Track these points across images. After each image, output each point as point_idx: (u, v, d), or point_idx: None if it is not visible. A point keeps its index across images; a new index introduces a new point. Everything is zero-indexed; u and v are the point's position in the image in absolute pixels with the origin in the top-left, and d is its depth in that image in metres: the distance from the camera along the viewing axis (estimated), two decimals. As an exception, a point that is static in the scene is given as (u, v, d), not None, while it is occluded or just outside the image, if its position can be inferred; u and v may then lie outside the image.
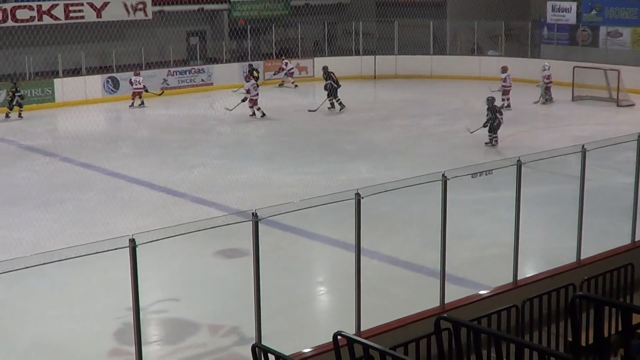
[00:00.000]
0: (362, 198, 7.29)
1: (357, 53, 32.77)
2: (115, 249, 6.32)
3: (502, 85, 24.64)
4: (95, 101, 27.18)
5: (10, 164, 18.54)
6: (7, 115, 24.19)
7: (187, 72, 29.89)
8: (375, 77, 31.95)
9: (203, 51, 32.89)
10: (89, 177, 17.16)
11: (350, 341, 6.40)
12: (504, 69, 24.73)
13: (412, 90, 28.55)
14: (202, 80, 29.77)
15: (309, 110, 24.38)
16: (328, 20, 33.16)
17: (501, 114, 19.39)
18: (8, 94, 24.35)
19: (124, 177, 16.93)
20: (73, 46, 28.00)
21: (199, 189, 15.66)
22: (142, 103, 26.01)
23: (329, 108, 24.52)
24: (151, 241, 6.38)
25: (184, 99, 27.47)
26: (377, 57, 32.38)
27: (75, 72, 28.10)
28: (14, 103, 24.15)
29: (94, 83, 27.86)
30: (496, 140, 19.20)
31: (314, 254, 12.89)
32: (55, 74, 27.51)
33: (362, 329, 7.49)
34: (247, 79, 24.54)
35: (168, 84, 27.42)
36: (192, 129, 22.39)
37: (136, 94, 25.94)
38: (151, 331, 9.51)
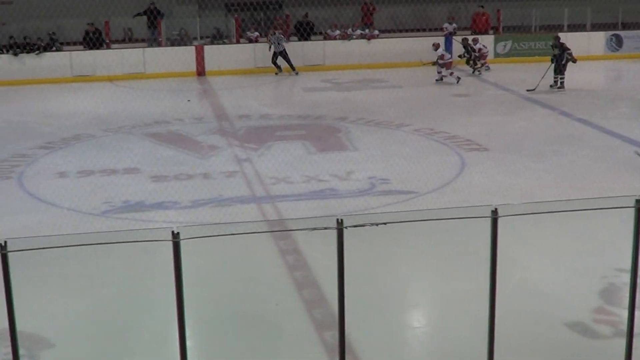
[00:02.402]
0: None
1: None
2: (620, 207, 6.15)
3: None
4: (597, 58, 26.74)
5: (511, 113, 19.09)
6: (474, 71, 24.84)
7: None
8: None
9: None
10: (585, 133, 16.96)
11: None
12: None
13: None
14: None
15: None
16: None
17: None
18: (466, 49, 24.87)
19: (621, 137, 16.43)
20: (580, 2, 27.81)
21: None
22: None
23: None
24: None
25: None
26: None
27: (580, 27, 27.88)
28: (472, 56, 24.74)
29: (597, 40, 27.43)
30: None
31: None
32: (560, 28, 27.51)
33: None
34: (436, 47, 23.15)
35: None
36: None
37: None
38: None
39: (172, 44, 26.48)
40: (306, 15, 26.94)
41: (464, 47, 24.42)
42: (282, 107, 20.54)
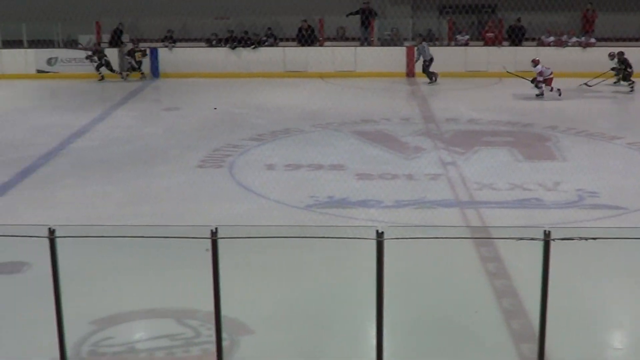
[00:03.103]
0: None
1: None
2: None
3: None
4: None
5: None
6: None
7: None
8: None
9: None
10: None
11: None
12: None
13: None
14: None
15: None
16: None
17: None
18: None
19: None
20: None
21: None
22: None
23: None
24: None
25: None
26: None
27: None
28: None
29: None
30: None
31: None
32: None
33: None
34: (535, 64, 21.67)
35: None
36: None
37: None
38: None
39: (383, 44, 26.76)
40: (519, 19, 26.53)
41: (620, 61, 23.14)
42: (491, 112, 20.33)
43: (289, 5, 26.78)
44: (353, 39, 27.47)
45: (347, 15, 26.77)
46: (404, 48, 25.96)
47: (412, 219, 11.81)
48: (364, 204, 12.72)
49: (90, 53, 25.66)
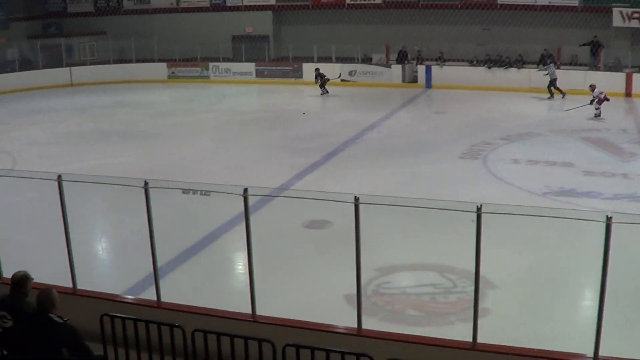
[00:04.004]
0: None
1: None
2: None
3: None
4: None
5: None
6: None
7: None
8: None
9: None
10: None
11: None
12: None
13: None
14: None
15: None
16: None
17: None
18: None
19: None
20: None
21: None
22: None
23: None
24: None
25: None
26: None
27: None
28: None
29: None
30: None
31: None
32: None
33: None
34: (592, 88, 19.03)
35: None
36: None
37: None
38: None
39: (608, 70, 25.50)
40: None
41: None
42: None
43: (535, 36, 26.22)
44: (584, 65, 26.37)
45: (580, 46, 25.78)
46: (624, 74, 24.58)
47: (626, 209, 11.55)
48: (588, 194, 12.56)
49: (315, 75, 26.03)
